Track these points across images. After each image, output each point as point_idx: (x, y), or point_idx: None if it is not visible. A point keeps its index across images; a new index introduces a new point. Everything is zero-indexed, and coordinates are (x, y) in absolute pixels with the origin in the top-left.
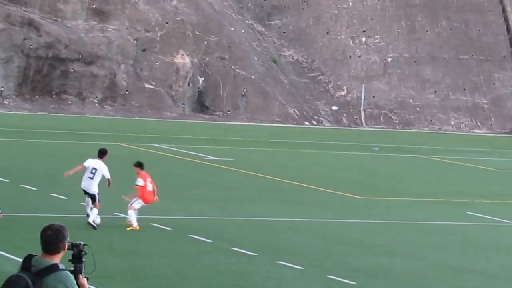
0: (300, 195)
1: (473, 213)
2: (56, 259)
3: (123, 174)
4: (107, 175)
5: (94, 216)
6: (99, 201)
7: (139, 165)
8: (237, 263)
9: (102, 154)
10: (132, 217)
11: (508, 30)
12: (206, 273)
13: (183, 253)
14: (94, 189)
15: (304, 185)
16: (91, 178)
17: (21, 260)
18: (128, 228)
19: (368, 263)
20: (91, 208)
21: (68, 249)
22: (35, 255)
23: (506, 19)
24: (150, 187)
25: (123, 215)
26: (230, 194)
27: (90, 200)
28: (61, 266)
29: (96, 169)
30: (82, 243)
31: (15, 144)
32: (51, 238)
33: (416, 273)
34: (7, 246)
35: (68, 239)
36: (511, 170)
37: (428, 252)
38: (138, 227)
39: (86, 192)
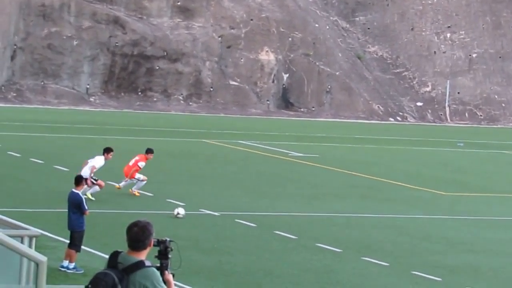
0: (385, 191)
1: None
2: (142, 255)
3: (209, 170)
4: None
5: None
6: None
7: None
8: (322, 260)
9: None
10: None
11: None
12: (292, 270)
13: (268, 250)
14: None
15: (390, 181)
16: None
17: (107, 256)
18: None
19: (453, 260)
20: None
21: (154, 245)
22: (121, 252)
23: None
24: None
25: (208, 212)
26: (314, 190)
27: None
28: (147, 263)
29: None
30: (168, 239)
31: (101, 141)
32: (138, 235)
33: (502, 270)
34: (94, 243)
35: (154, 235)
36: None
37: (506, 248)
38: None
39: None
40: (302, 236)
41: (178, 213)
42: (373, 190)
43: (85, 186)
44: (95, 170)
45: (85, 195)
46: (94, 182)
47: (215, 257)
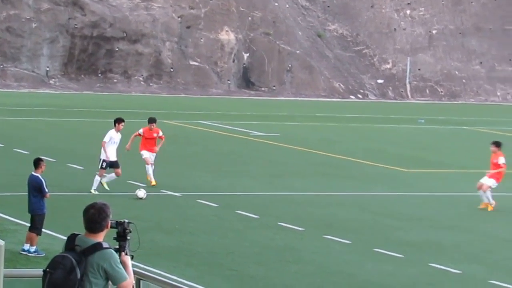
0: (347, 169)
1: None
2: (100, 237)
3: (170, 151)
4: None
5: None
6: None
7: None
8: (285, 238)
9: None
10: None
11: None
12: (254, 249)
13: (230, 229)
14: None
15: (351, 159)
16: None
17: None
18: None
19: (416, 236)
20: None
21: (112, 227)
22: (79, 234)
23: None
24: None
25: (170, 192)
26: (276, 169)
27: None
28: (105, 245)
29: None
30: (126, 221)
31: (61, 124)
32: (94, 217)
33: (464, 246)
34: (55, 226)
35: (112, 217)
36: None
37: (476, 224)
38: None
39: (112, 163)
40: (264, 215)
41: (139, 196)
42: (334, 168)
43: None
44: (105, 145)
45: (100, 183)
46: (103, 166)
47: (177, 237)
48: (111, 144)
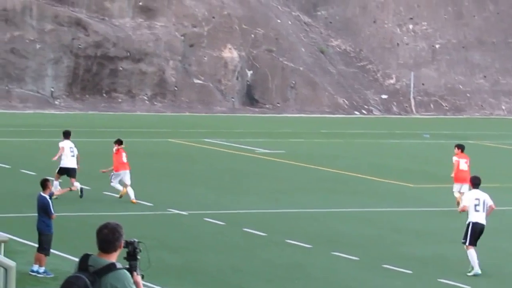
0: (352, 185)
1: None
2: (113, 257)
3: (175, 169)
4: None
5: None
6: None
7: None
8: (292, 255)
9: (68, 135)
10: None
11: None
12: (262, 267)
13: (237, 247)
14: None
15: (357, 174)
16: (73, 156)
17: (77, 259)
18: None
19: (424, 251)
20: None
21: (123, 247)
22: (92, 255)
23: None
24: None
25: (176, 211)
26: (282, 186)
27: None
28: (118, 265)
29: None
30: (136, 240)
31: None
32: (108, 237)
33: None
34: (63, 246)
35: (124, 237)
36: None
37: (483, 239)
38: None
39: (68, 171)
40: (271, 232)
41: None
42: (340, 184)
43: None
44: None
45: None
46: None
47: (184, 256)
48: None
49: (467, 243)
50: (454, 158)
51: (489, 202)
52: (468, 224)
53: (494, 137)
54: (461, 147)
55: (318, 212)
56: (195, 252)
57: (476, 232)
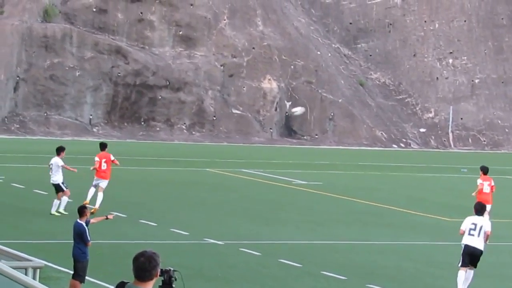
0: (388, 217)
1: None
2: (149, 286)
3: (212, 199)
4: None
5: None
6: (66, 188)
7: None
8: (327, 287)
9: (60, 151)
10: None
11: None
12: None
13: (272, 278)
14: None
15: (393, 207)
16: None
17: (113, 287)
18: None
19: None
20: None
21: (158, 275)
22: (128, 282)
23: None
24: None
25: (212, 240)
26: (318, 217)
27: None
28: None
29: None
30: (172, 269)
31: None
32: (144, 265)
33: None
34: (98, 273)
35: (160, 265)
36: None
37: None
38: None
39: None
40: (306, 263)
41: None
42: (376, 216)
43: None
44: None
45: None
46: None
47: (219, 285)
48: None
49: (459, 265)
50: (479, 181)
51: (486, 228)
52: (462, 247)
53: None
54: (483, 170)
55: (354, 244)
56: (230, 282)
57: (467, 255)
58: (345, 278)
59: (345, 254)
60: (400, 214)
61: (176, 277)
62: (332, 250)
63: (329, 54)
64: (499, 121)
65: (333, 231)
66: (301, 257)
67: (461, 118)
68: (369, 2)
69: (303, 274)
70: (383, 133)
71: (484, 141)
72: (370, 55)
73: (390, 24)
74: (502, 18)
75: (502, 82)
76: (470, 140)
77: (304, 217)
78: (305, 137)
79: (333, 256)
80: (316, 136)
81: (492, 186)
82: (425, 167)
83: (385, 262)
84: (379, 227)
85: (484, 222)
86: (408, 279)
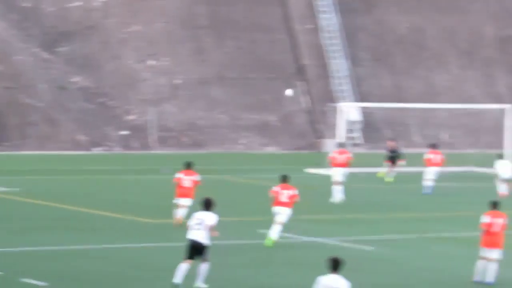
0: (92, 221)
1: (264, 231)
2: None
3: None
4: None
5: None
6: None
7: None
8: None
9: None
10: None
11: (293, 47)
12: None
13: None
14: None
15: (96, 211)
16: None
17: None
18: None
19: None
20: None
21: None
22: None
23: (292, 37)
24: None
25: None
26: (17, 225)
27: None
28: None
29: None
30: None
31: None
32: None
33: None
34: None
35: None
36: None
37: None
38: None
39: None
40: (8, 271)
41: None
42: (78, 221)
43: None
44: None
45: None
46: None
47: None
48: None
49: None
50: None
51: (209, 222)
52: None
53: (234, 171)
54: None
55: (56, 250)
56: None
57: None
58: (47, 284)
59: (47, 261)
60: (103, 217)
61: None
62: (33, 257)
63: (30, 59)
64: (201, 121)
65: (33, 238)
66: (2, 265)
67: (164, 120)
68: (69, 5)
69: (3, 282)
70: (85, 137)
71: (187, 141)
72: (71, 59)
73: (91, 27)
74: (202, 19)
75: (203, 83)
76: (172, 141)
77: (4, 225)
78: (5, 144)
79: (34, 263)
80: (17, 142)
81: (196, 181)
82: (127, 169)
83: (90, 267)
84: (82, 232)
85: (206, 216)
86: (116, 284)
